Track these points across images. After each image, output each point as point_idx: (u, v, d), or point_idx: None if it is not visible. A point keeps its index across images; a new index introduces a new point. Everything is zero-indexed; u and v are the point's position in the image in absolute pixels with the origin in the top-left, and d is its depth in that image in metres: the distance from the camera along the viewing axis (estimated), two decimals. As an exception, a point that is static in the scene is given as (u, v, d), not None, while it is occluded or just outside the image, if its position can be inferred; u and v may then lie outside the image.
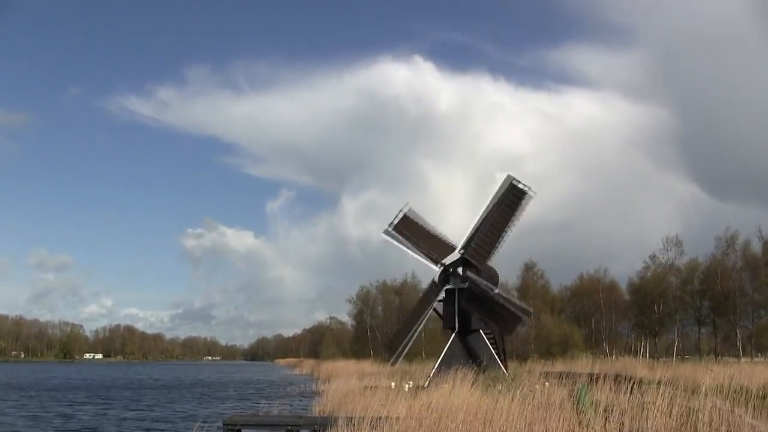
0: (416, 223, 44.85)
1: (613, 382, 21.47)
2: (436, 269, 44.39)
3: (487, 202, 44.19)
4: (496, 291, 42.77)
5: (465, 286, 43.04)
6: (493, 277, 43.96)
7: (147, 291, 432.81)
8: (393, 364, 45.18)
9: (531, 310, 45.94)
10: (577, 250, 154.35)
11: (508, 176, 43.83)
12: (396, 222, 44.86)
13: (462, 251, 43.50)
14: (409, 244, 44.64)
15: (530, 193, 43.35)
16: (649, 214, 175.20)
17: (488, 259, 43.47)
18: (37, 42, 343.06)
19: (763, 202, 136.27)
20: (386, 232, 45.07)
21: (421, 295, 51.10)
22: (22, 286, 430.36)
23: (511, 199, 43.48)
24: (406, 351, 44.55)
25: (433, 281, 45.20)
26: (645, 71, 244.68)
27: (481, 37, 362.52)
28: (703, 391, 16.13)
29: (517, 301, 46.43)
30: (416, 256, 44.76)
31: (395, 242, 44.97)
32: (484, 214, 43.90)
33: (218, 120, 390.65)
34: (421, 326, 45.71)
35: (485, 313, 42.84)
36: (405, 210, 45.14)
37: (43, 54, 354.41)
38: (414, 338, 44.80)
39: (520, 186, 43.61)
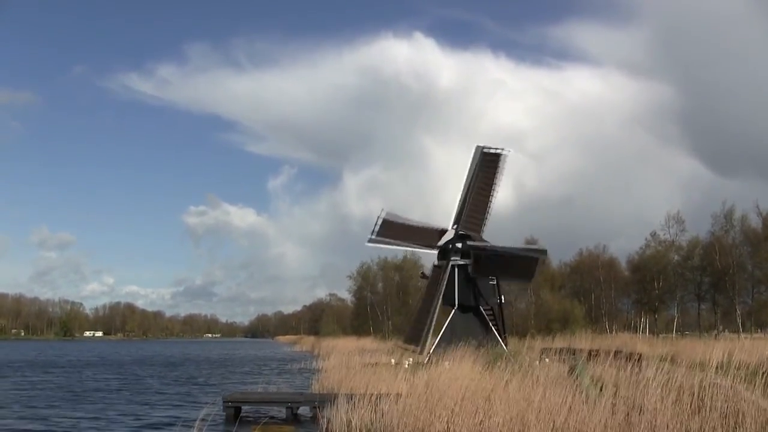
0: (397, 224, 44.80)
1: (612, 357, 21.45)
2: (434, 253, 44.37)
3: (465, 175, 44.51)
4: (502, 246, 43.00)
5: (463, 263, 42.95)
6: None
7: (148, 269, 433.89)
8: (421, 353, 43.56)
9: (545, 249, 45.94)
10: (578, 226, 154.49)
11: (477, 147, 44.40)
12: (376, 229, 44.78)
13: (455, 226, 43.44)
14: (398, 242, 44.67)
15: (504, 152, 44.00)
16: (651, 190, 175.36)
17: (483, 226, 43.56)
18: (39, 20, 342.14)
19: (765, 177, 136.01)
20: (370, 241, 45.11)
21: (427, 279, 50.68)
22: (24, 264, 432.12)
23: (487, 165, 43.72)
24: (430, 337, 43.91)
25: (434, 264, 45.08)
26: (646, 47, 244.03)
27: (481, 13, 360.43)
28: (714, 366, 16.08)
29: (527, 246, 46.45)
30: (411, 249, 44.86)
31: (384, 246, 45.00)
32: (466, 186, 43.94)
33: (219, 97, 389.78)
34: (437, 310, 44.78)
35: (500, 272, 42.92)
36: (382, 216, 44.99)
37: (46, 32, 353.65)
38: (434, 322, 44.30)
39: (492, 151, 44.07)
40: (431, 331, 43.89)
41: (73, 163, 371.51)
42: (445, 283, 43.73)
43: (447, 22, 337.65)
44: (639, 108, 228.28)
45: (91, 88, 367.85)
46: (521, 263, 43.18)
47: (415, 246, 44.80)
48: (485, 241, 43.83)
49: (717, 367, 16.68)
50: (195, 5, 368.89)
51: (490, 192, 43.71)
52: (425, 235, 44.73)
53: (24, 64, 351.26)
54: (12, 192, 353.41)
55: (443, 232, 43.87)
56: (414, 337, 45.25)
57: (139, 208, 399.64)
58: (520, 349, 41.13)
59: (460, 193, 44.39)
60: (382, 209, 45.63)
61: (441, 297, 43.88)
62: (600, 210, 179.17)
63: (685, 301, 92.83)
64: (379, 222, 44.82)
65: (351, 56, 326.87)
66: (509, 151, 44.66)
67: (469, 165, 44.59)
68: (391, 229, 44.60)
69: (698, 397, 15.32)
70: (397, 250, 46.15)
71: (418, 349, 43.87)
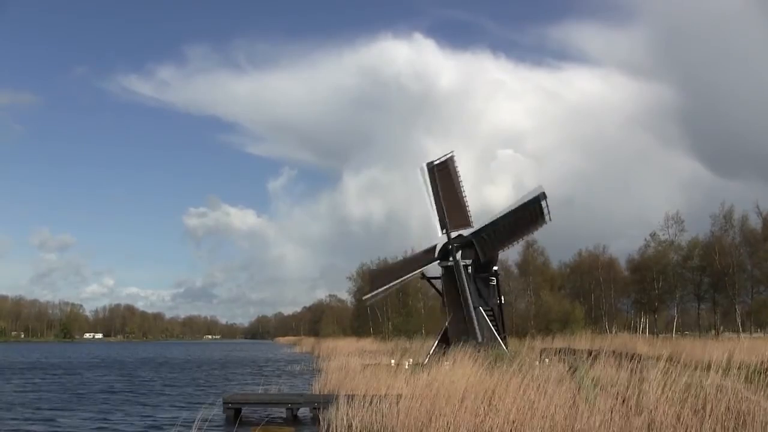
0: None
1: (612, 358, 21.43)
2: (441, 236, 43.81)
3: (513, 204, 43.30)
4: (491, 221, 42.81)
5: (464, 263, 42.83)
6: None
7: (149, 270, 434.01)
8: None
9: (542, 190, 44.07)
10: (578, 226, 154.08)
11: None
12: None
13: (444, 231, 43.04)
14: (397, 281, 44.77)
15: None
16: (651, 190, 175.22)
17: (469, 218, 43.35)
18: (39, 21, 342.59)
19: (765, 178, 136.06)
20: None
21: (416, 252, 50.60)
22: (24, 266, 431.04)
23: (442, 173, 43.54)
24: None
25: (442, 266, 44.63)
26: (647, 48, 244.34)
27: (481, 14, 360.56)
28: (714, 369, 16.07)
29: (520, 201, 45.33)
30: (432, 209, 44.16)
31: (426, 181, 44.37)
32: (434, 201, 43.69)
33: (219, 99, 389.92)
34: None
35: (510, 236, 42.36)
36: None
37: (46, 33, 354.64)
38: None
39: (440, 161, 43.92)
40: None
41: (74, 165, 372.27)
42: (464, 276, 42.65)
43: (447, 22, 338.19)
44: (639, 108, 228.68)
45: (92, 89, 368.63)
46: (527, 216, 42.15)
47: (414, 272, 44.63)
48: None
49: (717, 368, 16.67)
50: (195, 7, 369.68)
51: (458, 190, 43.70)
52: (419, 259, 44.92)
53: (25, 65, 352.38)
54: (12, 193, 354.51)
55: (464, 225, 43.49)
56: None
57: (140, 210, 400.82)
58: (520, 349, 41.13)
59: (431, 209, 44.02)
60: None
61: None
62: (600, 211, 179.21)
63: (685, 302, 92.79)
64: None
65: (351, 57, 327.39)
66: (452, 151, 44.60)
67: (424, 184, 44.28)
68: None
69: (699, 397, 15.31)
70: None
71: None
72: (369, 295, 45.44)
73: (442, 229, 43.32)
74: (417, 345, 57.07)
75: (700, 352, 31.52)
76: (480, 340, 40.00)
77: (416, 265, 45.16)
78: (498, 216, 43.06)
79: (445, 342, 39.86)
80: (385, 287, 44.91)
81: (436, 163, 44.31)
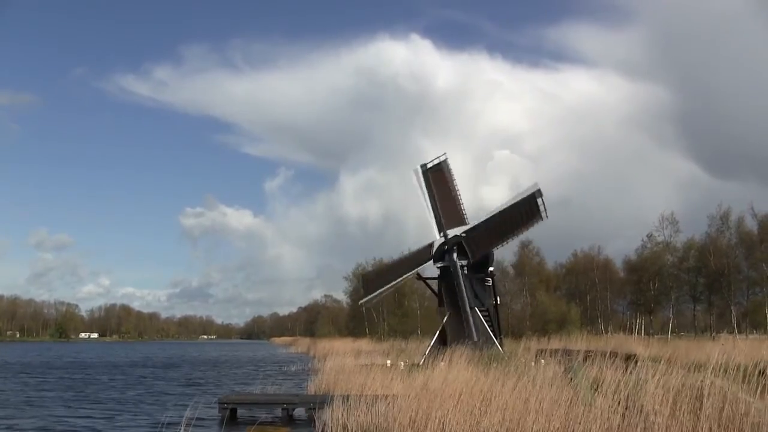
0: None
1: (608, 358, 21.39)
2: (437, 237, 43.80)
3: (508, 201, 43.31)
4: (482, 220, 42.78)
5: (460, 263, 42.80)
6: (488, 254, 43.80)
7: (145, 270, 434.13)
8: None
9: (538, 187, 43.61)
10: (575, 227, 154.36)
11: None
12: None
13: (464, 234, 42.93)
14: (392, 283, 44.79)
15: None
16: (648, 191, 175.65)
17: (464, 217, 43.34)
18: (39, 22, 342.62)
19: (762, 180, 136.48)
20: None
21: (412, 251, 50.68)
22: (22, 266, 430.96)
23: (436, 175, 43.51)
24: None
25: (431, 245, 44.40)
26: (644, 49, 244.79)
27: (478, 15, 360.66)
28: (710, 370, 16.02)
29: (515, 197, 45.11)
30: (427, 210, 44.19)
31: (421, 184, 44.40)
32: (429, 203, 43.69)
33: (216, 99, 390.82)
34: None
35: (505, 233, 42.20)
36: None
37: (46, 34, 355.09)
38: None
39: (434, 164, 44.13)
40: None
41: (72, 165, 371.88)
42: (461, 276, 42.78)
43: (444, 23, 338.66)
44: (636, 109, 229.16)
45: (90, 89, 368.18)
46: (522, 213, 41.57)
47: (410, 272, 44.54)
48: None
49: (714, 368, 16.64)
50: (192, 7, 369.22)
51: (453, 190, 43.93)
52: (414, 259, 44.86)
53: (23, 66, 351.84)
54: (11, 193, 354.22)
55: (460, 224, 43.55)
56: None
57: (136, 209, 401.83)
58: (516, 350, 41.10)
59: (427, 211, 44.14)
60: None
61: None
62: (597, 211, 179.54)
63: (681, 303, 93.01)
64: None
65: (348, 58, 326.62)
66: (445, 153, 44.88)
67: (419, 187, 44.50)
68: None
69: (695, 398, 15.28)
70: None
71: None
72: (365, 300, 45.41)
73: (438, 230, 43.32)
74: (413, 345, 57.05)
75: (696, 353, 31.51)
76: (476, 340, 40.00)
77: (411, 265, 45.10)
78: (492, 213, 43.11)
79: (441, 342, 39.87)
80: (380, 291, 44.85)
81: (429, 165, 44.38)
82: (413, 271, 44.68)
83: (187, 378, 52.39)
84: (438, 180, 44.27)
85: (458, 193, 44.54)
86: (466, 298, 41.79)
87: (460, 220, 43.70)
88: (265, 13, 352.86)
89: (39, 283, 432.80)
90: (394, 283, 44.97)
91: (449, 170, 44.68)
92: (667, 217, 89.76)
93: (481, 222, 43.03)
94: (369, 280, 47.46)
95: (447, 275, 43.35)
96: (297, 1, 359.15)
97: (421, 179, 44.50)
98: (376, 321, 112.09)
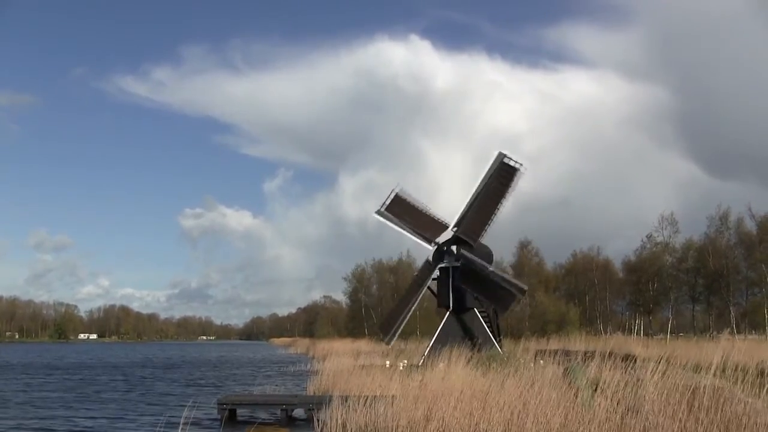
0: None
1: (607, 359, 21.41)
2: (430, 248, 44.27)
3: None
4: (491, 269, 42.76)
5: (459, 264, 42.96)
6: (487, 255, 43.84)
7: (145, 271, 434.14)
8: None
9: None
10: (575, 227, 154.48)
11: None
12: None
13: (455, 229, 43.36)
14: (403, 224, 44.39)
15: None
16: (647, 192, 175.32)
17: (480, 237, 43.31)
18: (39, 22, 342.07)
19: (761, 180, 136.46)
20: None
21: (415, 274, 51.03)
22: (21, 266, 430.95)
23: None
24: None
25: (427, 260, 45.08)
26: (643, 49, 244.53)
27: (477, 15, 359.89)
28: (710, 370, 16.04)
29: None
30: (410, 236, 44.63)
31: (389, 222, 44.69)
32: (477, 192, 43.74)
33: (215, 100, 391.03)
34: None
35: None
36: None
37: (45, 35, 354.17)
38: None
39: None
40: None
41: (71, 165, 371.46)
42: (428, 282, 44.37)
43: (443, 24, 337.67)
44: (635, 110, 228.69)
45: (89, 90, 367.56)
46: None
47: (416, 234, 44.55)
48: (484, 246, 43.77)
49: (713, 369, 16.66)
50: (191, 7, 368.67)
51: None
52: (430, 225, 44.37)
53: (24, 67, 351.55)
54: (10, 193, 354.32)
55: (444, 228, 43.76)
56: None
57: (136, 210, 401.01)
58: (515, 350, 41.14)
59: (470, 195, 44.13)
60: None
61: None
62: (597, 212, 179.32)
63: (680, 303, 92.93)
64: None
65: (348, 59, 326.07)
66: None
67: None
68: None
69: (694, 398, 15.29)
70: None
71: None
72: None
73: (455, 225, 43.53)
74: (412, 346, 57.09)
75: (695, 353, 31.54)
76: (475, 341, 40.06)
77: (420, 282, 45.75)
78: (471, 199, 43.78)
79: (440, 343, 39.86)
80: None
81: (388, 202, 44.28)
82: (421, 291, 44.94)
83: (187, 379, 52.42)
84: (403, 210, 44.34)
85: (427, 208, 44.86)
86: (464, 299, 42.27)
87: (479, 229, 43.68)
88: (265, 14, 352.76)
89: (38, 283, 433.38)
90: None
91: (407, 195, 44.86)
92: (666, 218, 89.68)
93: (465, 208, 43.51)
94: (385, 323, 47.77)
95: (446, 276, 43.49)
96: (297, 1, 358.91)
97: (389, 218, 44.63)
98: (375, 321, 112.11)
